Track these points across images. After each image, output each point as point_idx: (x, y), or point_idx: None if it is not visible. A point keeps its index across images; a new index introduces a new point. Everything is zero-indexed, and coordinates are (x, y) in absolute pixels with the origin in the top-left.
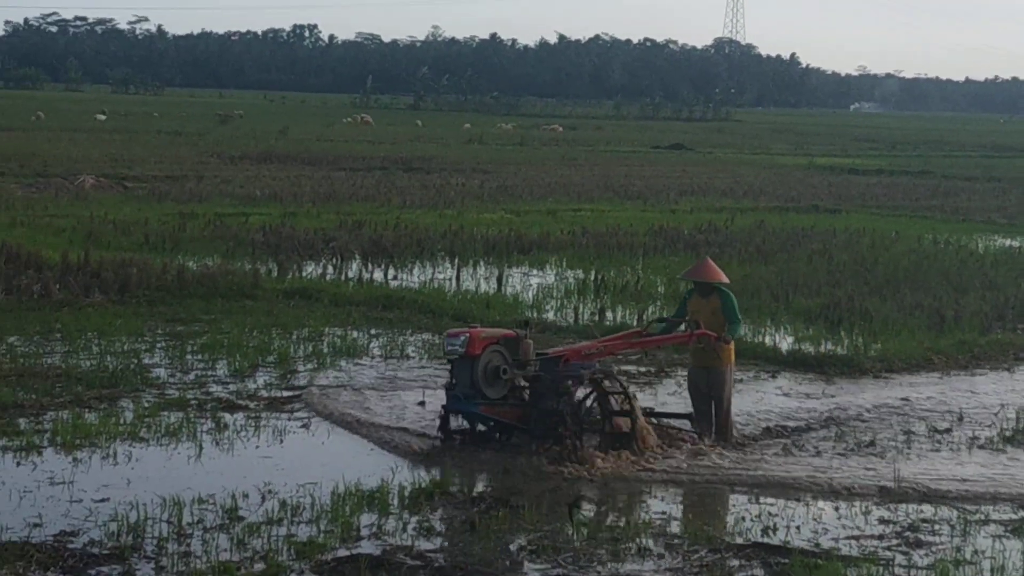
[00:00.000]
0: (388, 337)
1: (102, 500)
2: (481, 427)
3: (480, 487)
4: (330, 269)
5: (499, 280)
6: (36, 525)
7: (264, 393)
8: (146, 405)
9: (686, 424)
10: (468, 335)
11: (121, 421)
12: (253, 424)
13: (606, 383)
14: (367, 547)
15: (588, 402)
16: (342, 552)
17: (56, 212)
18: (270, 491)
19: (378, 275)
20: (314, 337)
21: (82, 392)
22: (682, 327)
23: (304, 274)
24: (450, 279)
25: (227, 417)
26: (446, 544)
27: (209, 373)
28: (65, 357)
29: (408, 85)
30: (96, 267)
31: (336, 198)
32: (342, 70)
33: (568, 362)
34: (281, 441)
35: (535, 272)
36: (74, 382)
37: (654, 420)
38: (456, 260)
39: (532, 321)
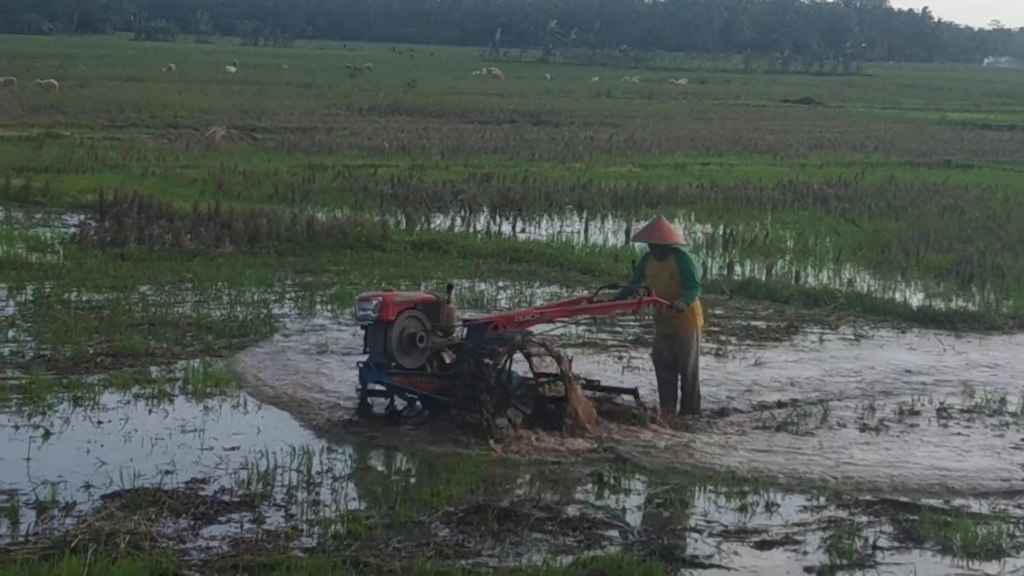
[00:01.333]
0: (516, 289)
1: (232, 448)
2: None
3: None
4: (458, 221)
5: (627, 234)
6: (168, 472)
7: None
8: None
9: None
10: (381, 299)
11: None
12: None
13: (535, 352)
14: (494, 498)
15: (522, 374)
16: (470, 502)
17: (187, 163)
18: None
19: (506, 228)
20: (442, 289)
21: (213, 341)
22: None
23: (432, 226)
24: (578, 232)
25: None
26: (573, 496)
27: (338, 323)
28: (196, 306)
29: (537, 38)
30: (227, 217)
31: (464, 151)
32: (471, 24)
33: (496, 329)
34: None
35: None
36: (205, 331)
37: (595, 394)
38: (584, 213)
39: (455, 284)
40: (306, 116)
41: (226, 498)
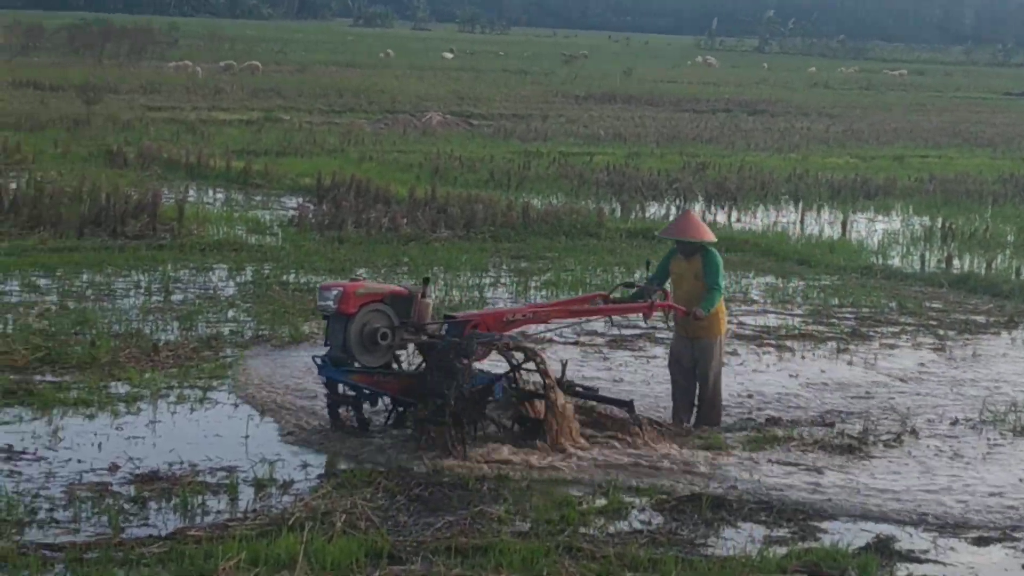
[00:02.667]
0: (731, 279)
1: None
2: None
3: (820, 434)
4: (673, 210)
5: (843, 225)
6: (382, 451)
7: (605, 330)
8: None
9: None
10: (341, 290)
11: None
12: (597, 360)
13: (517, 358)
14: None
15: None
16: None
17: (404, 148)
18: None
19: (721, 217)
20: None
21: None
22: (658, 294)
23: (647, 214)
24: (794, 223)
25: (566, 352)
26: (790, 485)
27: None
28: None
29: (753, 28)
30: (443, 202)
31: (680, 139)
32: (687, 12)
33: (477, 329)
34: (619, 379)
35: (880, 218)
36: None
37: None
38: (800, 204)
39: (432, 279)
40: (522, 103)
41: (445, 478)
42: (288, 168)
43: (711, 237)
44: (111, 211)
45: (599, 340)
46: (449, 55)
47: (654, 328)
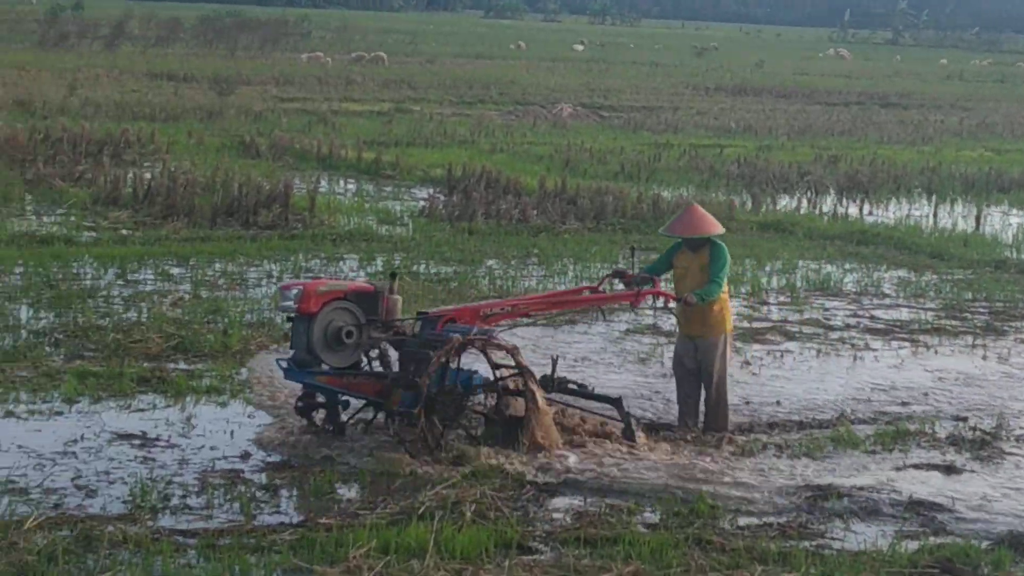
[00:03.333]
0: (863, 273)
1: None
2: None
3: (953, 430)
4: (804, 203)
5: (977, 219)
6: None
7: (736, 323)
8: (617, 332)
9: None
10: (301, 288)
11: (592, 345)
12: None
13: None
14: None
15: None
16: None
17: (534, 139)
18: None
19: (853, 210)
20: (787, 270)
21: (556, 315)
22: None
23: (778, 207)
24: (926, 216)
25: None
26: (922, 480)
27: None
28: (542, 280)
29: (886, 20)
30: (572, 194)
31: (811, 132)
32: (819, 4)
33: (451, 323)
34: (756, 372)
35: (1015, 211)
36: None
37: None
38: (933, 197)
39: (400, 272)
40: (652, 95)
41: (579, 477)
42: (418, 159)
43: (719, 229)
44: (243, 201)
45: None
46: (580, 47)
47: (784, 321)
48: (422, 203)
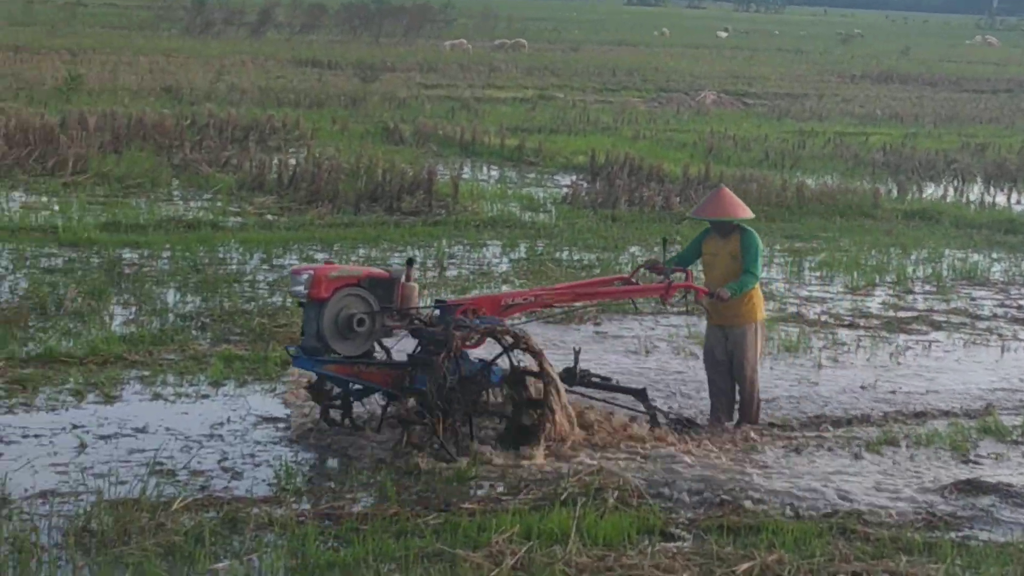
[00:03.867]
0: (1010, 262)
1: None
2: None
3: None
4: (951, 191)
5: None
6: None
7: (881, 312)
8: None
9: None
10: (312, 273)
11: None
12: (869, 342)
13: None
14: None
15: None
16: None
17: (677, 127)
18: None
19: (1000, 199)
20: (933, 259)
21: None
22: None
23: (924, 195)
24: None
25: (843, 334)
26: None
27: (826, 290)
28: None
29: None
30: (716, 181)
31: (958, 120)
32: None
33: (468, 314)
34: (898, 361)
35: None
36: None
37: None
38: None
39: (415, 259)
40: (797, 82)
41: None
42: (561, 146)
43: (749, 214)
44: (387, 187)
45: (875, 322)
46: (723, 34)
47: (930, 310)
48: (565, 190)
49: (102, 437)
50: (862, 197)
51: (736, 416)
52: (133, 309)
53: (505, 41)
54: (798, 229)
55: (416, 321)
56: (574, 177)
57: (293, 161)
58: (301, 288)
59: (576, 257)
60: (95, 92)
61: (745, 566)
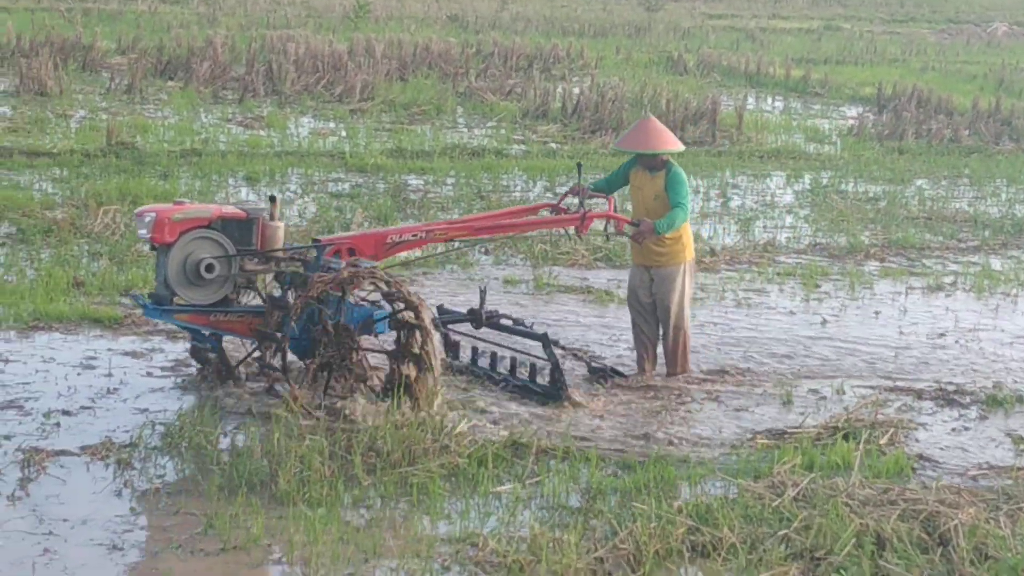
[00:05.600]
0: None
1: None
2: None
3: None
4: None
5: None
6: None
7: None
8: None
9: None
10: (154, 216)
11: None
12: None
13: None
14: None
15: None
16: None
17: (967, 59)
18: None
19: None
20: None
21: (989, 238)
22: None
23: None
24: None
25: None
26: None
27: None
28: (973, 202)
29: None
30: (1006, 115)
31: None
32: None
33: (342, 254)
34: None
35: None
36: (981, 228)
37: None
38: None
39: (277, 197)
40: None
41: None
42: (847, 77)
43: (678, 147)
44: (671, 117)
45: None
46: None
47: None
48: (851, 122)
49: None
50: None
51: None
52: None
53: None
54: None
55: (298, 263)
56: (860, 109)
57: (577, 90)
58: (144, 232)
59: (861, 189)
60: (382, 20)
61: None
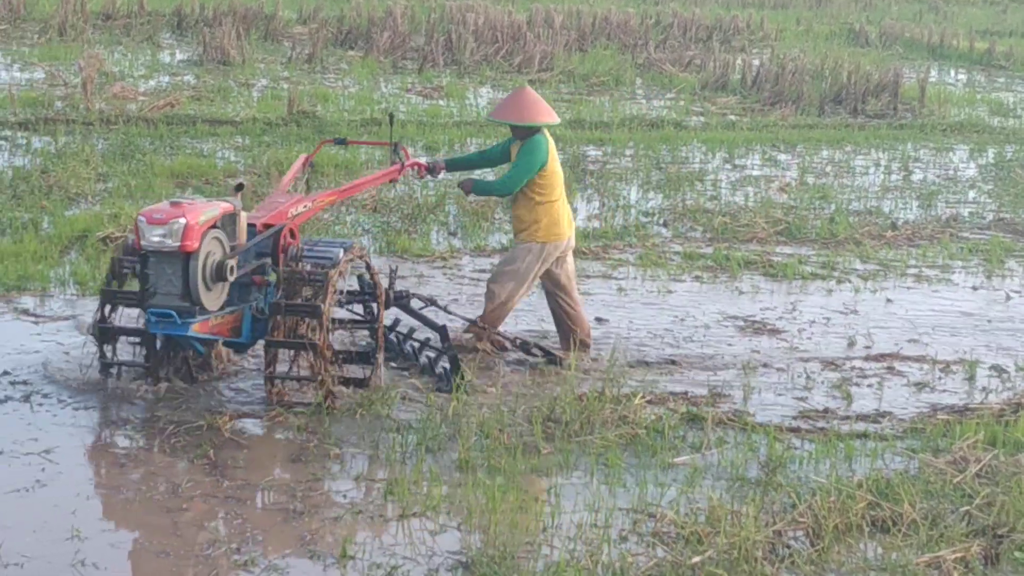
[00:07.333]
0: None
1: None
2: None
3: None
4: None
5: None
6: None
7: None
8: None
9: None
10: (184, 221)
11: None
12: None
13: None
14: None
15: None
16: None
17: None
18: None
19: None
20: None
21: None
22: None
23: None
24: None
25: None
26: None
27: None
28: None
29: None
30: None
31: None
32: None
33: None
34: None
35: None
36: None
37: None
38: None
39: (246, 183)
40: None
41: None
42: None
43: (552, 119)
44: (852, 89)
45: None
46: None
47: None
48: None
49: None
50: None
51: (578, 344)
52: (596, 204)
53: None
54: None
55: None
56: None
57: (756, 62)
58: (165, 239)
59: None
60: None
61: None
